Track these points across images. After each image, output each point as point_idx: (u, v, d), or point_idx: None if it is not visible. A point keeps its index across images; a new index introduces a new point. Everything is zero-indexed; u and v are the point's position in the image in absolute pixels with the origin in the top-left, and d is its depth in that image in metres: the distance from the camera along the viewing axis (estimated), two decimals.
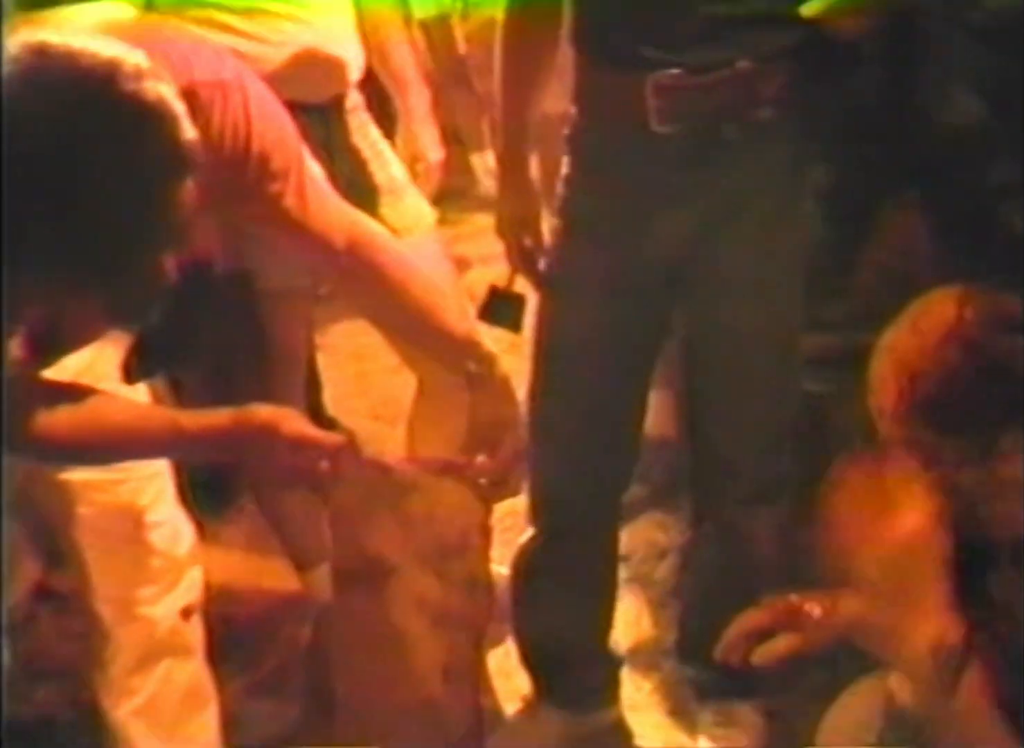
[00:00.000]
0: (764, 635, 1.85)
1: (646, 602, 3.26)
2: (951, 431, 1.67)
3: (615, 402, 2.60)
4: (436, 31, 5.16)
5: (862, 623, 1.82)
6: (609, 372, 2.55)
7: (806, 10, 2.19)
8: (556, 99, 2.59)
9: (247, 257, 2.70)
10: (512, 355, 2.48)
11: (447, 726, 2.21)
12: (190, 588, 2.50)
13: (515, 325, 2.67)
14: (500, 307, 2.65)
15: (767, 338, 2.53)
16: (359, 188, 2.78)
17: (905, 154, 2.76)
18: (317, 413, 3.26)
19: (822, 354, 2.85)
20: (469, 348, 2.10)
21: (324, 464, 1.86)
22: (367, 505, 2.06)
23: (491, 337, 2.27)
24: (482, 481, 2.05)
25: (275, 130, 1.90)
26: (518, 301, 2.66)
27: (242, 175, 1.86)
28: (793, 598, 1.87)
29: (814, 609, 1.84)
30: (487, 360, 2.09)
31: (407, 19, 3.09)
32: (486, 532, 2.00)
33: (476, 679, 2.11)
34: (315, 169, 2.08)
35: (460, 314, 2.17)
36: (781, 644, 1.84)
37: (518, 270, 2.63)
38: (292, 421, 1.86)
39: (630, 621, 3.18)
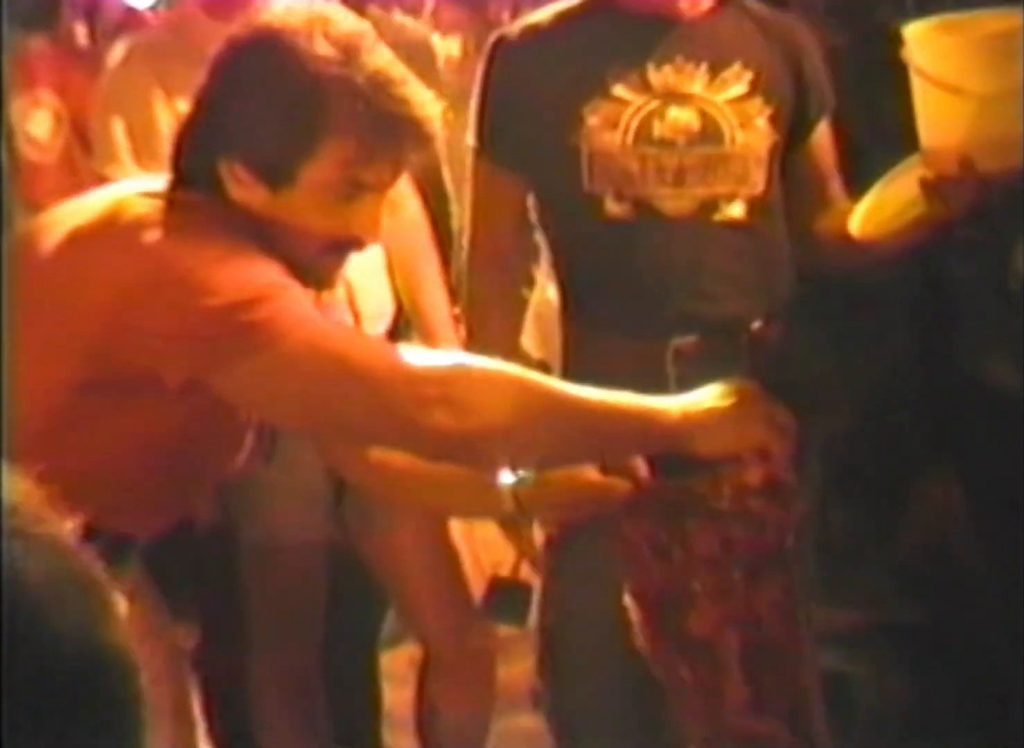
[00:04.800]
0: None
1: None
2: None
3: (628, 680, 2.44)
4: None
5: None
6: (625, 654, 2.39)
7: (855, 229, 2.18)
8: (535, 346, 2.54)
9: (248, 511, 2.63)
10: None
11: None
12: None
13: (521, 617, 2.44)
14: (505, 599, 2.42)
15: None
16: None
17: (939, 422, 2.70)
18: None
19: (856, 629, 2.74)
20: None
21: None
22: None
23: None
24: None
25: None
26: (524, 591, 2.41)
27: None
28: None
29: None
30: None
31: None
32: None
33: None
34: None
35: None
36: None
37: (524, 556, 2.41)
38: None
39: None
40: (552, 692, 2.44)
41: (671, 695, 1.92)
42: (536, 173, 2.28)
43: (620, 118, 2.20)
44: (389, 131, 1.68)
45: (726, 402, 1.71)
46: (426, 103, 1.70)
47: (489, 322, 2.37)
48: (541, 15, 2.33)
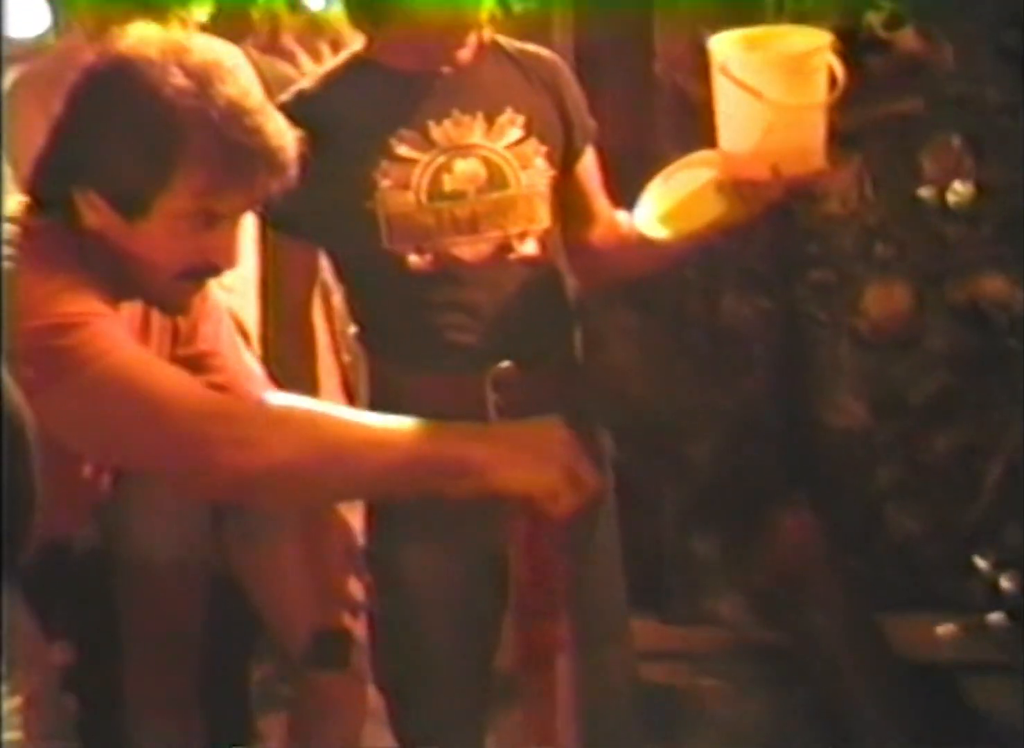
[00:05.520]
0: None
1: None
2: None
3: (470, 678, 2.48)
4: None
5: None
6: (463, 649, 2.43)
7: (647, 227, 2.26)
8: None
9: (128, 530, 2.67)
10: None
11: None
12: None
13: (343, 663, 2.55)
14: (326, 648, 2.53)
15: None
16: None
17: (794, 455, 2.84)
18: None
19: (713, 648, 2.86)
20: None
21: None
22: None
23: None
24: None
25: None
26: (344, 638, 2.53)
27: None
28: None
29: None
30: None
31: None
32: None
33: None
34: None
35: None
36: None
37: (345, 605, 2.47)
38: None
39: None
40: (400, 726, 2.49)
41: (522, 702, 1.94)
42: (329, 238, 2.31)
43: (411, 177, 2.25)
44: (243, 162, 1.68)
45: (530, 438, 1.67)
46: (280, 133, 1.70)
47: (289, 373, 2.38)
48: (306, 81, 2.33)
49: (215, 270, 1.77)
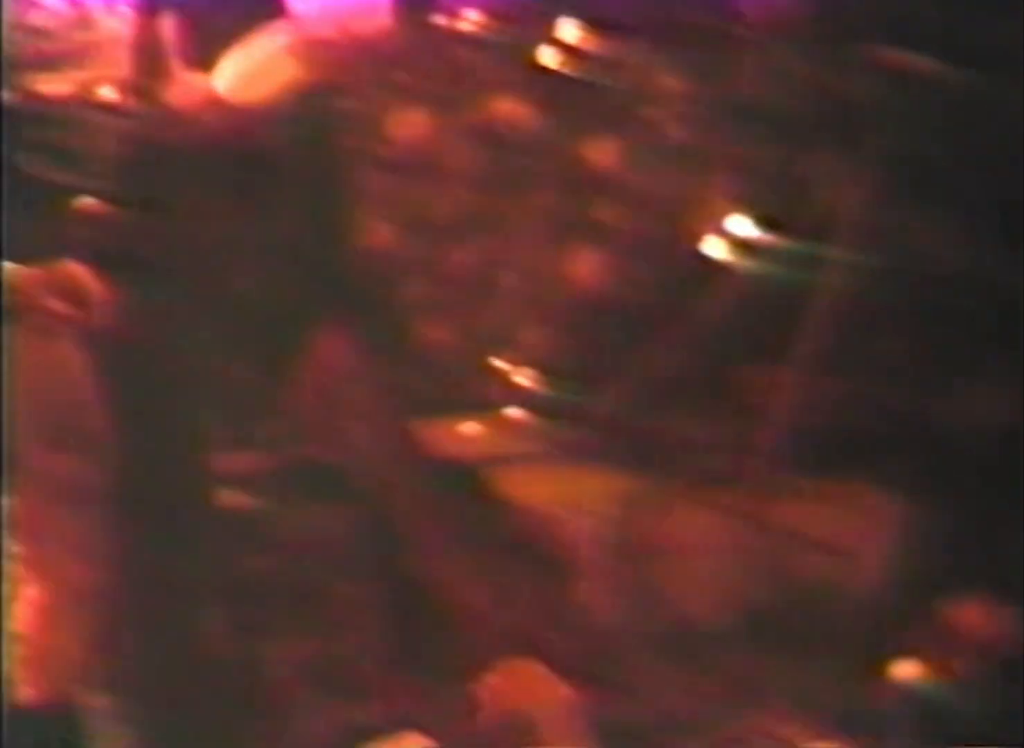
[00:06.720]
0: None
1: None
2: None
3: None
4: None
5: None
6: None
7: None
8: None
9: None
10: None
11: None
12: None
13: None
14: None
15: None
16: None
17: (327, 278, 2.93)
18: None
19: (253, 470, 2.95)
20: None
21: None
22: None
23: None
24: None
25: None
26: None
27: None
28: None
29: None
30: None
31: None
32: None
33: None
34: None
35: None
36: None
37: None
38: None
39: None
40: None
41: None
42: None
43: None
44: None
45: None
46: None
47: None
48: None
49: None
